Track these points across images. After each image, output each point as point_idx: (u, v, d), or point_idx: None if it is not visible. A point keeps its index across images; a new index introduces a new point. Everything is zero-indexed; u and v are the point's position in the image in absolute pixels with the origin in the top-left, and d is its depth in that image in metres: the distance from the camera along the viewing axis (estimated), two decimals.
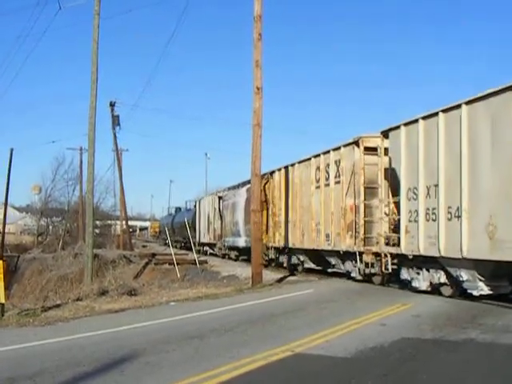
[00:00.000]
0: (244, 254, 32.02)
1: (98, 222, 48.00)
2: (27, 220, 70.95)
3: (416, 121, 14.86)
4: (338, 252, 19.28)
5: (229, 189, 38.79)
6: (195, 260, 30.00)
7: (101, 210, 54.14)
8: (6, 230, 57.99)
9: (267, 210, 26.16)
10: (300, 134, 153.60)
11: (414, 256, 15.07)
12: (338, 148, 19.26)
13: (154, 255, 35.37)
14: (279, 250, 25.52)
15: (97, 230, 45.49)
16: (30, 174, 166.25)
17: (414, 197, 14.94)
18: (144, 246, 57.59)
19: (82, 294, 19.07)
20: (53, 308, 15.39)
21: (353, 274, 18.77)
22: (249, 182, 27.11)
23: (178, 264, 27.97)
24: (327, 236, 19.86)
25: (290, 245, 23.38)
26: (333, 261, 20.51)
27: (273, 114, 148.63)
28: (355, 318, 11.40)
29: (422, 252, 14.57)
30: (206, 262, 31.86)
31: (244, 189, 31.27)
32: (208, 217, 41.05)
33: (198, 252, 42.27)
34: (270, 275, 21.82)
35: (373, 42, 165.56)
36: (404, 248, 15.40)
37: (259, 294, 17.08)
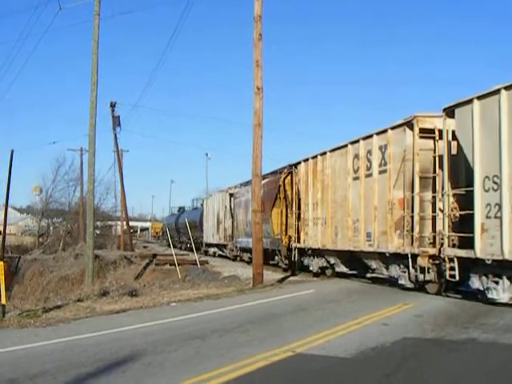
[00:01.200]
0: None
1: (98, 223, 48.05)
2: (28, 221, 70.98)
3: (496, 92, 12.10)
4: (382, 254, 16.52)
5: (241, 185, 35.45)
6: (196, 260, 30.01)
7: (101, 210, 54.16)
8: (7, 231, 58.13)
9: (286, 207, 24.15)
10: (299, 134, 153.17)
11: (493, 261, 12.23)
12: (384, 131, 16.32)
13: (154, 256, 35.39)
14: (303, 252, 22.52)
15: (97, 231, 45.56)
16: (30, 175, 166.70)
17: (494, 187, 12.11)
18: (145, 247, 57.62)
19: (82, 295, 19.05)
20: (54, 309, 15.37)
21: (401, 281, 15.77)
22: (265, 176, 25.94)
23: (178, 264, 28.00)
24: (368, 235, 17.08)
25: (319, 245, 20.41)
26: (373, 264, 17.70)
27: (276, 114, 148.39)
28: (357, 318, 11.39)
29: (508, 256, 11.69)
30: (206, 262, 31.85)
31: (261, 183, 29.06)
32: (217, 216, 38.46)
33: (205, 254, 41.47)
34: (271, 275, 21.82)
35: (374, 43, 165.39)
36: (480, 251, 12.40)
37: (260, 294, 17.07)
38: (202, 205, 47.87)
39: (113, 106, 40.22)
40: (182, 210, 61.09)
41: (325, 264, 21.10)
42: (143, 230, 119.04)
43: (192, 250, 39.09)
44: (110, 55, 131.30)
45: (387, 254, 16.16)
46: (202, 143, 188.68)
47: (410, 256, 14.96)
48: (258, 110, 19.33)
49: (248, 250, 29.12)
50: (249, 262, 28.56)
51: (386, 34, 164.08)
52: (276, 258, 25.75)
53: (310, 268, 21.75)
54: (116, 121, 40.72)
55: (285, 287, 18.87)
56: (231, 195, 35.08)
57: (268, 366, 7.84)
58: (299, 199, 22.67)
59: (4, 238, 16.45)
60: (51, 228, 57.39)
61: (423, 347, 8.86)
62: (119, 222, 53.17)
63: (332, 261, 20.44)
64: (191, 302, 15.98)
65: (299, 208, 22.58)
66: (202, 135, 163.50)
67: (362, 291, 16.78)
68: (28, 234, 63.39)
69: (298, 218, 22.61)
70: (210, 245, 41.66)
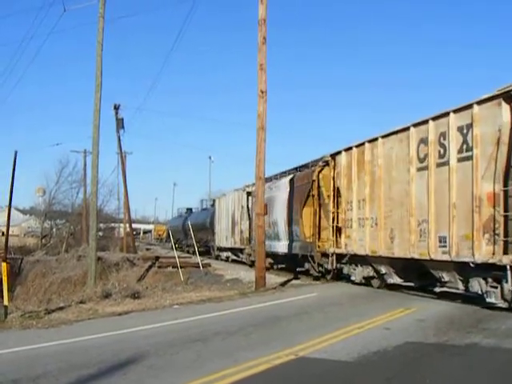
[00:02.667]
0: (283, 261, 26.95)
1: (101, 225, 48.04)
2: (31, 222, 71.06)
3: None
4: (461, 264, 13.20)
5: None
6: (199, 263, 30.01)
7: (104, 212, 54.20)
8: (10, 232, 58.11)
9: (320, 206, 21.18)
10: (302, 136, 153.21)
11: None
12: (467, 107, 13.02)
13: (157, 258, 35.34)
14: (342, 258, 19.25)
15: (100, 233, 45.51)
16: (34, 177, 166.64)
17: None
18: (147, 249, 57.58)
19: (85, 297, 19.04)
20: (56, 310, 15.40)
21: (490, 299, 12.51)
22: (292, 170, 25.22)
23: (181, 267, 27.97)
24: (442, 240, 13.74)
25: (367, 251, 17.04)
26: (445, 276, 14.30)
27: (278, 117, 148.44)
28: (359, 322, 11.38)
29: None
30: (209, 265, 31.84)
31: (286, 180, 25.53)
32: (232, 217, 35.03)
33: (217, 258, 39.78)
34: (273, 279, 21.83)
35: (376, 44, 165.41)
36: None
37: (263, 297, 17.07)
38: (212, 205, 45.42)
39: (116, 108, 40.24)
40: (189, 211, 58.41)
41: (371, 273, 17.88)
42: (146, 232, 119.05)
43: (202, 254, 38.46)
44: (114, 57, 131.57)
45: (472, 265, 12.69)
46: (206, 145, 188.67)
47: (509, 268, 11.76)
48: (261, 113, 19.36)
49: (269, 255, 25.82)
50: (270, 267, 26.33)
51: (388, 36, 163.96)
52: (306, 264, 22.77)
53: (352, 277, 18.81)
54: (120, 123, 40.73)
55: (287, 290, 18.85)
56: (249, 194, 31.57)
57: (270, 369, 7.84)
58: (338, 196, 19.43)
59: (7, 239, 16.52)
60: (54, 229, 57.40)
61: (425, 352, 8.85)
62: (122, 224, 53.20)
63: (383, 270, 17.09)
64: (194, 305, 15.99)
65: (338, 206, 19.48)
66: (205, 137, 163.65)
67: (364, 295, 16.75)
68: (31, 235, 63.40)
69: (337, 218, 19.45)
70: (222, 249, 38.85)
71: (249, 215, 31.54)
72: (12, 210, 16.82)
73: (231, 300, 16.79)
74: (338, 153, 19.51)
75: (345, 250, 18.79)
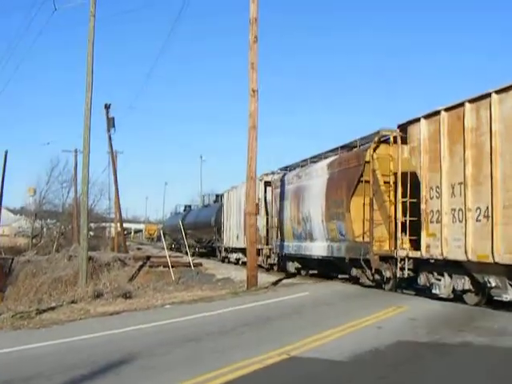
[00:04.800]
0: (317, 266, 22.46)
1: (92, 225, 47.82)
2: (22, 222, 70.66)
3: None
4: None
5: (287, 169, 25.74)
6: (190, 263, 29.99)
7: (95, 212, 54.01)
8: (1, 232, 57.93)
9: (374, 194, 16.79)
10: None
11: None
12: None
13: (148, 258, 35.29)
14: (420, 265, 14.81)
15: (91, 233, 45.27)
16: (24, 176, 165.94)
17: None
18: (139, 249, 57.44)
19: (76, 297, 18.98)
20: (47, 311, 15.34)
21: None
22: (329, 152, 21.14)
23: (172, 267, 27.95)
24: None
25: (469, 255, 12.47)
26: None
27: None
28: (351, 321, 11.39)
29: None
30: (200, 264, 31.83)
31: (323, 164, 20.66)
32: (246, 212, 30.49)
33: (223, 261, 36.31)
34: (265, 278, 21.80)
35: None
36: None
37: (255, 296, 17.05)
38: (216, 201, 42.04)
39: (107, 107, 40.13)
40: (188, 208, 54.78)
41: (467, 286, 13.26)
42: (137, 231, 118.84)
43: (205, 256, 37.18)
44: (105, 57, 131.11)
45: None
46: (196, 145, 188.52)
47: None
48: (253, 112, 19.33)
49: (295, 258, 22.79)
50: (295, 274, 23.51)
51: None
52: (353, 270, 18.42)
53: (435, 291, 14.01)
54: (110, 122, 40.62)
55: (279, 290, 18.84)
56: (267, 184, 26.68)
57: (263, 369, 7.82)
58: (413, 180, 14.79)
59: None
60: (45, 229, 57.20)
61: (418, 350, 8.88)
62: (113, 224, 53.05)
63: (491, 282, 12.29)
64: (185, 305, 15.96)
65: (412, 195, 14.79)
66: (196, 137, 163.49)
67: (356, 294, 16.78)
68: (21, 235, 63.11)
69: (409, 209, 14.91)
70: (231, 250, 34.16)
71: (266, 210, 26.89)
72: (2, 209, 16.75)
73: (223, 299, 16.76)
74: (414, 121, 14.83)
75: (426, 253, 14.05)
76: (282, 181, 24.25)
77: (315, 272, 23.02)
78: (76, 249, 30.69)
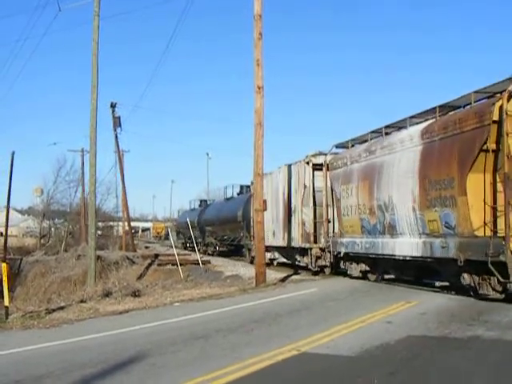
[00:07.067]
0: (397, 270, 17.50)
1: (100, 224, 48.06)
2: (29, 222, 70.95)
3: None
4: None
5: (344, 146, 20.95)
6: (198, 260, 30.02)
7: (103, 211, 54.15)
8: (9, 233, 58.07)
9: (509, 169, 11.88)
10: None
11: None
12: None
13: (156, 256, 35.37)
14: None
15: (99, 232, 45.48)
16: (31, 177, 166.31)
17: None
18: (146, 247, 57.58)
19: (85, 296, 19.07)
20: (57, 310, 15.40)
21: None
22: (422, 114, 15.81)
23: (181, 265, 27.99)
24: None
25: None
26: None
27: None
28: (360, 317, 11.38)
29: None
30: (208, 262, 31.85)
31: (414, 131, 15.59)
32: (285, 202, 23.91)
33: (252, 262, 26.12)
34: (273, 274, 21.79)
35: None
36: None
37: (263, 293, 17.05)
38: (240, 193, 37.06)
39: (113, 106, 40.13)
40: (204, 203, 49.52)
41: None
42: (144, 230, 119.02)
43: (227, 255, 36.57)
44: (111, 56, 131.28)
45: None
46: (203, 143, 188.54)
47: None
48: (258, 109, 19.30)
49: (360, 259, 18.65)
50: (359, 278, 19.03)
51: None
52: (465, 276, 13.43)
53: None
54: (116, 121, 40.61)
55: (288, 286, 18.83)
56: (316, 167, 21.80)
57: (273, 365, 7.83)
58: None
59: (6, 239, 16.50)
60: (53, 229, 57.44)
61: (428, 345, 8.84)
62: (121, 223, 53.16)
63: None
64: (194, 302, 15.97)
65: None
66: (202, 135, 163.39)
67: (364, 290, 16.74)
68: (29, 235, 63.38)
69: None
70: (265, 248, 24.10)
71: (314, 200, 21.79)
72: (10, 210, 16.76)
73: (232, 296, 16.77)
74: None
75: None
76: (343, 159, 19.62)
77: (391, 277, 18.41)
78: (84, 248, 30.82)
